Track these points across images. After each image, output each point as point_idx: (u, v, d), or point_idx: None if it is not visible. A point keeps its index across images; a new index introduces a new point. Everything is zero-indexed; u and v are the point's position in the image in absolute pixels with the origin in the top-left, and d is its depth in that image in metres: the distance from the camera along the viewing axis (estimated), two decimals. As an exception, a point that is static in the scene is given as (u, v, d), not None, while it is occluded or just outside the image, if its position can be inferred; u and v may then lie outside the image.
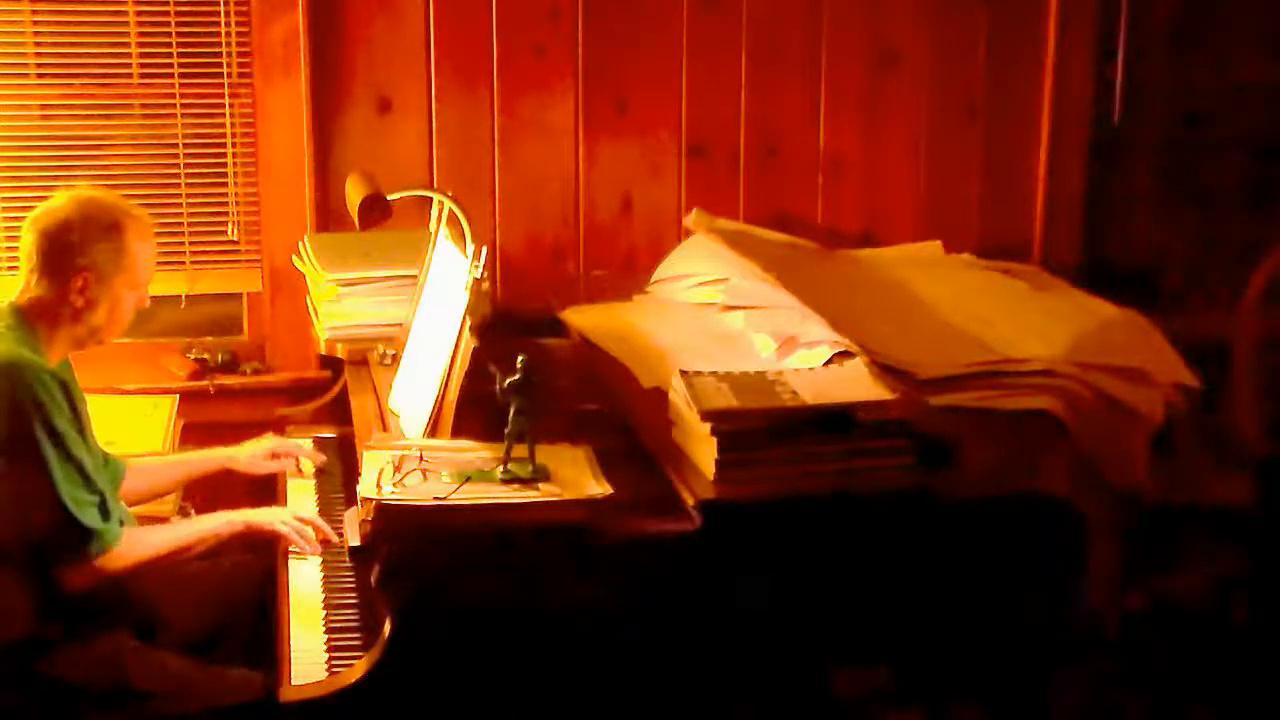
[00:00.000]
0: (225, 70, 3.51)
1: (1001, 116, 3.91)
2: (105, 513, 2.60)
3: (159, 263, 3.48)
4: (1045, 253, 3.94)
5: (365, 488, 2.32)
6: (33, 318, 2.61)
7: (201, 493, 3.13)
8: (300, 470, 3.07)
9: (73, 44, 3.46)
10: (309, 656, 2.41)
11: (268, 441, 3.08)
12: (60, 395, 2.55)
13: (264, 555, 2.78)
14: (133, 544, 2.61)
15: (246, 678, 2.53)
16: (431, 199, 3.05)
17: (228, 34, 3.50)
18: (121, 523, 2.67)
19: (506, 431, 2.36)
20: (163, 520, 3.01)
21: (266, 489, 3.11)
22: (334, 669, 2.37)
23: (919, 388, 2.65)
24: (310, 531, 2.72)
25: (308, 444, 3.13)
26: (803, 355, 2.76)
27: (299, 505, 2.93)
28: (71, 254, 2.59)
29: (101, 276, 2.61)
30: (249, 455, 3.03)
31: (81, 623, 2.56)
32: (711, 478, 2.40)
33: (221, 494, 3.08)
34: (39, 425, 2.49)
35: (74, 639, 2.54)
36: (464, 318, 2.53)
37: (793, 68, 3.78)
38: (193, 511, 3.10)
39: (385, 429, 2.73)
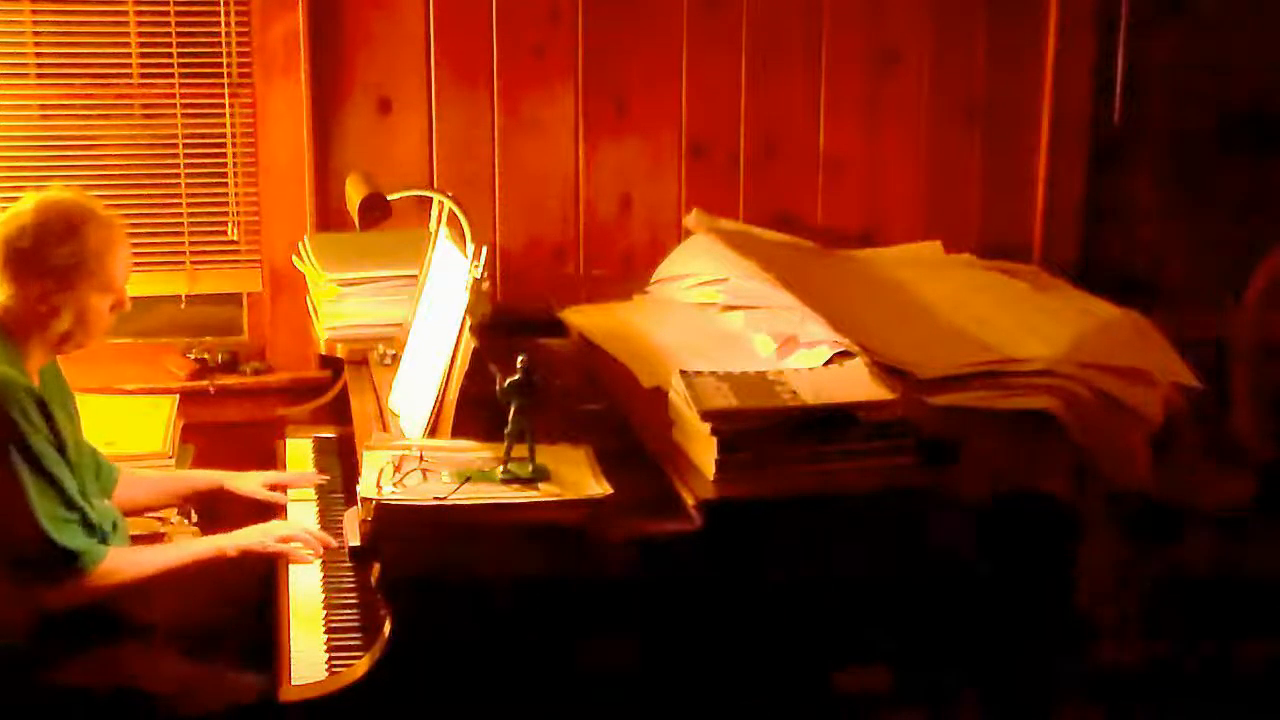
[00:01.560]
0: (225, 70, 3.51)
1: (1001, 117, 3.91)
2: (89, 528, 2.56)
3: (159, 263, 3.53)
4: (1045, 253, 3.93)
5: (365, 488, 2.32)
6: (6, 326, 2.55)
7: (201, 496, 3.12)
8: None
9: (73, 44, 3.46)
10: (309, 656, 2.41)
11: (269, 473, 3.06)
12: (36, 412, 2.49)
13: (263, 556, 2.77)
14: (119, 564, 2.56)
15: (245, 681, 2.51)
16: (431, 199, 3.05)
17: (228, 34, 3.50)
18: (110, 530, 2.65)
19: (506, 431, 2.36)
20: (163, 518, 3.01)
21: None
22: (334, 669, 2.36)
23: (919, 388, 2.65)
24: (305, 540, 2.70)
25: (307, 452, 3.14)
26: (803, 355, 2.76)
27: (298, 510, 2.94)
28: (29, 260, 2.52)
29: (63, 282, 2.54)
30: (245, 480, 2.99)
31: (84, 629, 2.54)
32: (711, 478, 2.40)
33: (222, 498, 3.06)
34: (13, 446, 2.45)
35: (78, 646, 2.52)
36: (464, 318, 2.53)
37: (793, 68, 3.78)
38: (193, 513, 3.09)
39: (385, 429, 2.73)
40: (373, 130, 3.57)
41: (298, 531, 2.72)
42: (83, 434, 2.76)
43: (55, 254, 2.53)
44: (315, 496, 3.00)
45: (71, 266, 2.54)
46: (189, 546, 2.72)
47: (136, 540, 2.82)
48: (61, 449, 2.57)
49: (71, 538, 2.51)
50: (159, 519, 3.03)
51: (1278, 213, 4.03)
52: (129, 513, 2.89)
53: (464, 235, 2.79)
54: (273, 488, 3.00)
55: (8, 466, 2.45)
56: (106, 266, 2.58)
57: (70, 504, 2.53)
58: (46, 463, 2.49)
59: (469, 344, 2.52)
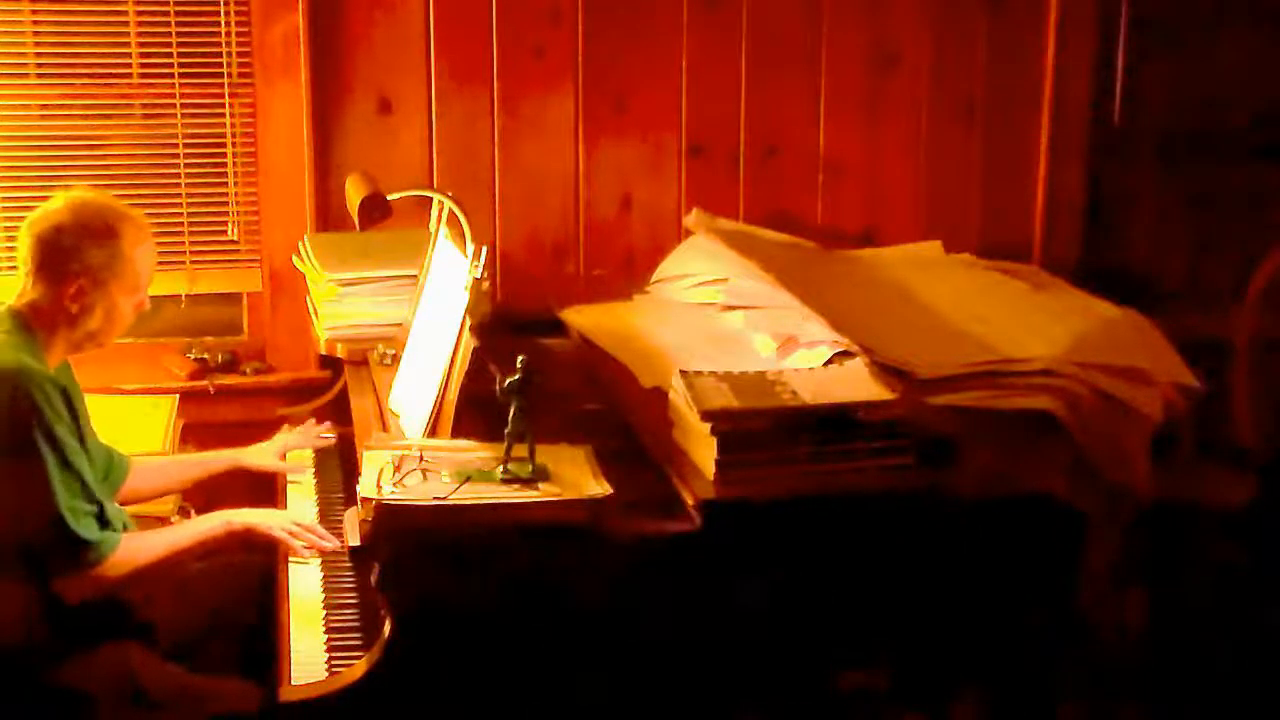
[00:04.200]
0: (225, 70, 3.51)
1: (1001, 116, 3.91)
2: (104, 521, 2.58)
3: (159, 263, 3.51)
4: (1045, 253, 3.94)
5: (365, 488, 2.32)
6: (30, 322, 2.59)
7: (202, 493, 3.12)
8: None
9: (73, 44, 3.46)
10: (309, 656, 2.41)
11: (279, 440, 3.10)
12: (61, 403, 2.53)
13: (262, 555, 2.77)
14: (130, 550, 2.58)
15: (245, 689, 2.52)
16: (431, 199, 3.05)
17: (228, 34, 3.50)
18: (120, 529, 2.66)
19: (506, 431, 2.36)
20: (163, 520, 3.01)
21: (266, 489, 3.11)
22: (334, 669, 2.36)
23: (919, 388, 2.65)
24: (310, 538, 2.70)
25: (307, 453, 3.16)
26: (803, 355, 2.76)
27: (298, 509, 2.94)
28: (65, 258, 2.57)
29: (96, 281, 2.59)
30: (258, 450, 3.05)
31: (85, 629, 2.55)
32: (711, 478, 2.40)
33: (222, 494, 3.07)
34: (39, 433, 2.47)
35: (80, 647, 2.53)
36: (464, 318, 2.54)
37: (793, 68, 3.78)
38: (192, 511, 3.09)
39: (385, 429, 2.73)
40: (373, 130, 3.57)
41: (306, 525, 2.73)
42: (95, 435, 2.78)
43: (93, 253, 2.59)
44: (315, 496, 3.00)
45: (105, 265, 2.60)
46: (198, 524, 2.74)
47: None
48: (81, 439, 2.60)
49: (88, 528, 2.53)
50: (159, 519, 3.03)
51: (1278, 213, 4.03)
52: (139, 500, 2.93)
53: (464, 235, 2.79)
54: (285, 455, 3.07)
55: (33, 452, 2.47)
56: (137, 268, 2.65)
57: (90, 496, 2.55)
58: (69, 453, 2.52)
59: (469, 344, 2.52)
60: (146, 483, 2.93)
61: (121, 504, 2.82)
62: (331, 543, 2.71)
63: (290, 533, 2.70)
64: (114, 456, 2.85)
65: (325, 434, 3.16)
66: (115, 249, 2.60)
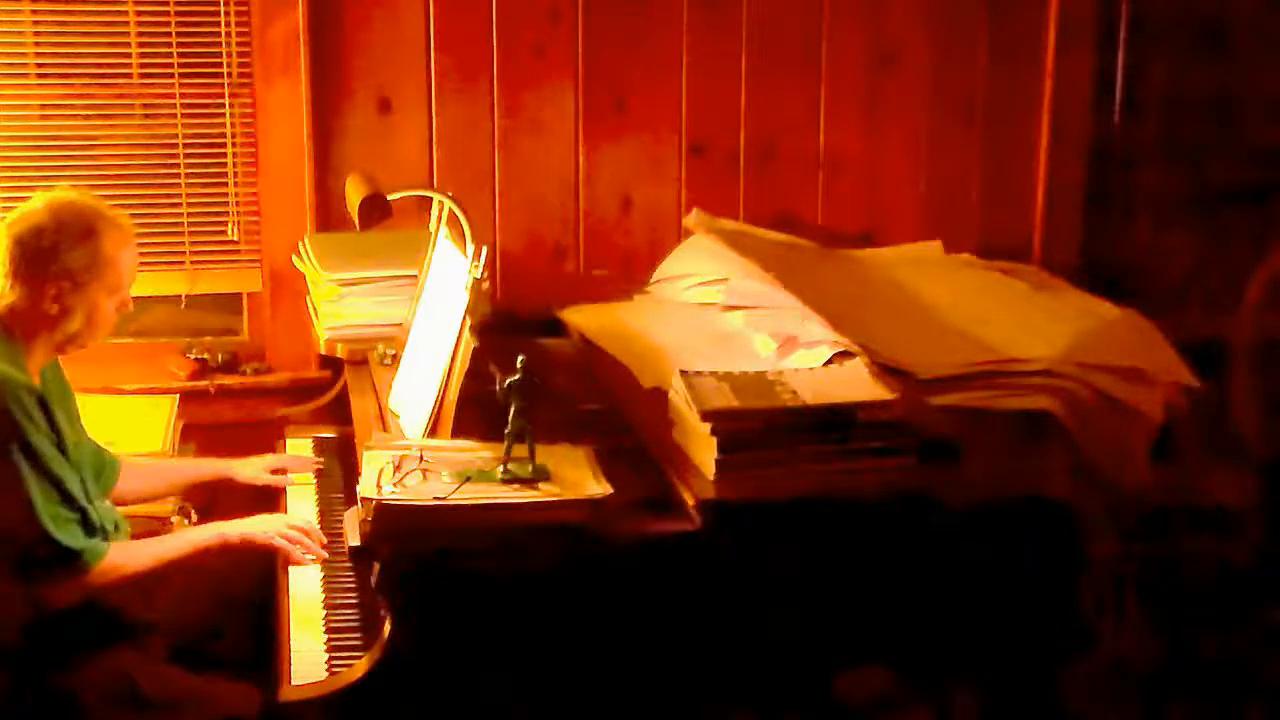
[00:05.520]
0: (225, 70, 3.51)
1: (1001, 116, 3.91)
2: (90, 527, 2.56)
3: (159, 263, 3.53)
4: (1045, 253, 3.94)
5: (365, 488, 2.32)
6: (9, 326, 2.56)
7: (201, 494, 3.12)
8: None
9: (73, 44, 3.46)
10: (309, 656, 2.41)
11: (269, 457, 3.09)
12: (38, 412, 2.50)
13: (262, 554, 2.76)
14: (119, 558, 2.57)
15: (245, 691, 2.51)
16: (431, 199, 3.05)
17: (228, 34, 3.50)
18: (111, 529, 2.65)
19: (506, 431, 2.36)
20: (163, 520, 3.01)
21: (267, 489, 3.11)
22: (334, 669, 2.36)
23: (919, 388, 2.65)
24: (307, 541, 2.69)
25: (307, 453, 3.14)
26: (803, 355, 2.76)
27: (298, 508, 2.94)
28: (45, 260, 2.54)
29: (77, 283, 2.55)
30: (248, 463, 3.03)
31: (84, 632, 2.54)
32: (711, 478, 2.40)
33: (222, 495, 3.07)
34: (14, 444, 2.45)
35: (78, 651, 2.52)
36: (464, 318, 2.54)
37: (793, 68, 3.78)
38: (193, 512, 3.09)
39: (385, 429, 2.73)
40: (373, 130, 3.57)
41: (302, 526, 2.72)
42: (84, 433, 2.77)
43: (72, 255, 2.55)
44: (315, 496, 3.00)
45: (85, 268, 2.56)
46: (191, 534, 2.72)
47: (136, 539, 2.82)
48: (62, 449, 2.57)
49: (72, 536, 2.51)
50: (159, 519, 3.03)
51: (1278, 213, 4.03)
52: (132, 501, 2.91)
53: (464, 235, 2.79)
54: (274, 472, 3.04)
55: (9, 465, 2.45)
56: (118, 269, 2.61)
57: (71, 503, 2.53)
58: (48, 462, 2.50)
59: (469, 344, 2.52)
60: (136, 484, 2.91)
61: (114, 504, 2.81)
62: (326, 554, 2.70)
63: (288, 539, 2.68)
64: (105, 457, 2.84)
65: (317, 461, 3.14)
66: (95, 250, 2.56)
